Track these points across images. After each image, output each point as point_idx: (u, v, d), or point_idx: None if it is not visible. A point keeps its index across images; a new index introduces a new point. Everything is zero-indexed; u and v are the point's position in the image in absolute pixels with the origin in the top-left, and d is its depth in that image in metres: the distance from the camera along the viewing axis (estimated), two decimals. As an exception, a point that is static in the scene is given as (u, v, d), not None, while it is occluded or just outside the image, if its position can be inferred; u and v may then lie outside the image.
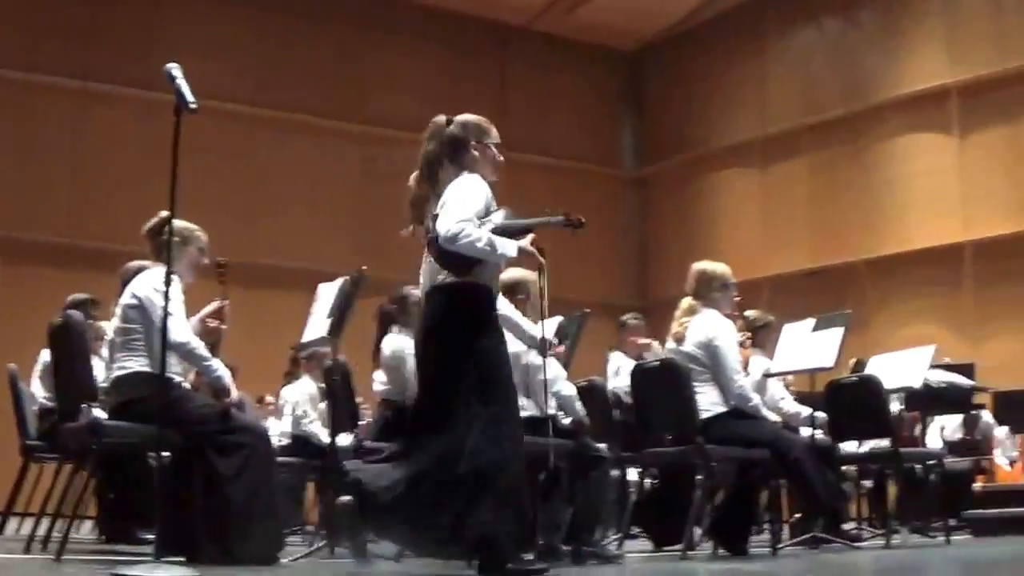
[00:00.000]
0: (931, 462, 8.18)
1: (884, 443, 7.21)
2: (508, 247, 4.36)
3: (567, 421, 5.88)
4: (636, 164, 18.54)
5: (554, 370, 5.67)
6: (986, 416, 10.51)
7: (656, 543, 6.84)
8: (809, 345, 6.92)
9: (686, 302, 6.44)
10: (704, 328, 6.29)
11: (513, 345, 5.66)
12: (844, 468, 8.12)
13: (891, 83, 15.37)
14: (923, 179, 14.86)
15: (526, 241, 4.51)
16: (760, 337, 7.42)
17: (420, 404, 4.41)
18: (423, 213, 4.64)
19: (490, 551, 4.11)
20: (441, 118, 4.75)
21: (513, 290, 5.91)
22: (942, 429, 8.93)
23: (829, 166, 15.87)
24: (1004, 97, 14.19)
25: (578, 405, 6.00)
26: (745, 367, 6.58)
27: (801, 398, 7.61)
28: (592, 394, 6.80)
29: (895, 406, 7.63)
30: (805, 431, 6.80)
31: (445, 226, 4.31)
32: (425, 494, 4.15)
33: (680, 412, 6.09)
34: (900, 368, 7.53)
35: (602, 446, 6.01)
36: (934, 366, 8.15)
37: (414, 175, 4.72)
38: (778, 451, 6.15)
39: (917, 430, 9.44)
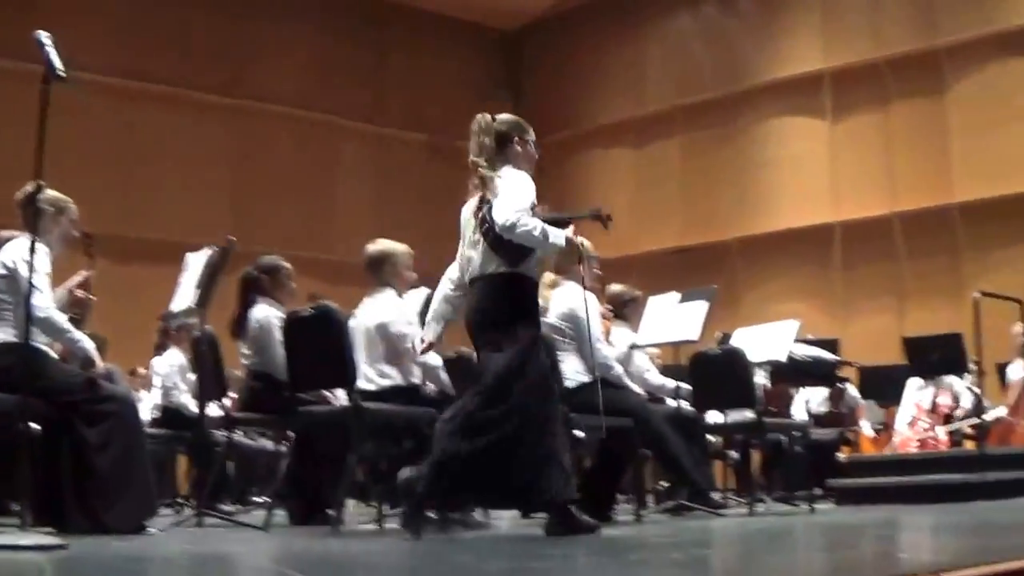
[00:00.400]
0: (796, 433, 8.48)
1: (748, 414, 7.46)
2: (559, 237, 4.76)
3: (432, 390, 5.95)
4: (512, 143, 18.64)
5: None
6: (852, 390, 10.89)
7: (524, 511, 6.96)
8: (674, 318, 7.09)
9: (548, 276, 6.54)
10: (566, 300, 6.42)
11: (383, 315, 5.76)
12: (709, 438, 8.42)
13: (766, 68, 15.70)
14: (795, 162, 15.24)
15: (569, 231, 4.90)
16: (626, 311, 7.58)
17: (481, 381, 4.76)
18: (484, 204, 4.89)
19: (558, 511, 4.65)
20: (487, 116, 5.09)
21: (381, 263, 5.96)
22: (807, 402, 9.23)
23: (703, 147, 16.15)
24: (876, 84, 14.63)
25: (443, 375, 6.07)
26: (607, 338, 6.77)
27: (666, 370, 7.83)
28: (460, 366, 6.92)
29: (760, 379, 7.88)
30: (671, 402, 7.00)
31: (503, 215, 4.66)
32: (498, 460, 4.60)
33: None
34: (765, 341, 7.72)
35: None
36: (799, 341, 8.43)
37: (472, 170, 4.99)
38: (641, 421, 6.31)
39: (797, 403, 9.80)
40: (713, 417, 7.76)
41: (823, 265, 14.75)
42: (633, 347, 7.33)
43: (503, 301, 4.81)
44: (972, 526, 4.79)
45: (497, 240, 4.74)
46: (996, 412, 10.37)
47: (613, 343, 7.15)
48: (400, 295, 5.95)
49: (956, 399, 10.08)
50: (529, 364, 4.71)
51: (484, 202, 4.90)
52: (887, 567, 2.83)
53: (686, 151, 16.32)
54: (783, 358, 7.60)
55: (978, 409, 8.86)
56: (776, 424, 8.38)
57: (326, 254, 14.74)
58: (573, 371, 6.30)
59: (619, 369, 6.50)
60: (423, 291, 6.50)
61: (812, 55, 15.24)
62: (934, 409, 9.59)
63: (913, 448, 9.70)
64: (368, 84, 16.81)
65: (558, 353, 6.19)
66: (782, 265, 14.98)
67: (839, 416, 10.53)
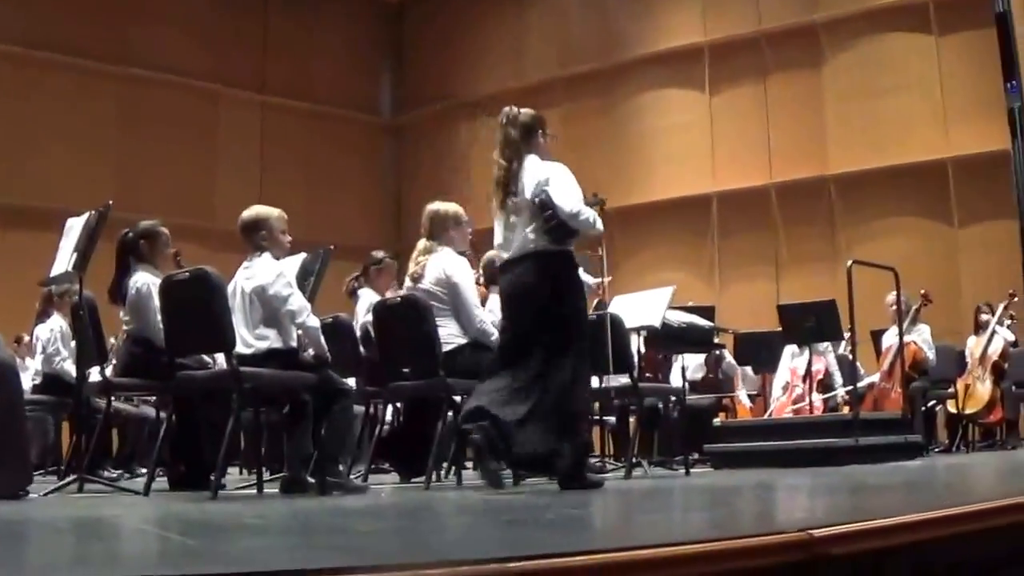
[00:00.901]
0: (672, 398, 8.62)
1: (625, 380, 7.56)
2: (601, 224, 5.44)
3: (311, 354, 5.93)
4: (394, 111, 18.56)
5: (298, 302, 5.71)
6: (728, 356, 11.09)
7: (402, 475, 6.94)
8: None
9: (422, 242, 6.59)
10: (441, 265, 6.45)
11: (259, 279, 5.72)
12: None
13: (646, 40, 15.84)
14: (674, 133, 15.44)
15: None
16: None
17: (522, 349, 5.29)
18: (510, 189, 5.46)
19: (576, 470, 5.16)
20: (513, 109, 5.62)
21: (255, 228, 5.93)
22: (684, 368, 9.37)
23: (583, 118, 16.23)
24: (754, 58, 14.88)
25: (322, 338, 6.07)
26: (483, 303, 6.81)
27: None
28: (337, 330, 6.89)
29: (636, 344, 7.99)
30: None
31: (570, 205, 5.26)
32: (540, 425, 5.12)
33: (422, 346, 6.17)
34: (641, 308, 7.84)
35: (348, 380, 6.08)
36: (676, 308, 8.55)
37: (497, 157, 5.54)
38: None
39: (674, 370, 9.94)
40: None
41: (701, 234, 14.99)
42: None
43: (549, 275, 5.33)
44: (844, 487, 4.89)
45: (557, 222, 5.28)
46: (870, 378, 10.69)
47: (491, 309, 7.21)
48: (277, 259, 5.91)
49: (830, 366, 10.38)
50: (572, 338, 5.22)
51: (509, 189, 5.45)
52: (761, 525, 2.89)
53: (566, 122, 16.39)
54: (658, 324, 7.70)
55: (852, 375, 9.11)
56: (653, 389, 8.48)
57: (209, 221, 14.59)
58: (449, 335, 6.33)
59: (496, 333, 6.52)
60: (300, 256, 6.49)
61: (692, 28, 15.42)
62: (809, 375, 9.84)
63: (788, 413, 9.94)
64: (252, 52, 16.62)
65: (436, 318, 6.22)
66: (660, 234, 15.20)
67: (716, 382, 10.71)
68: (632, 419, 8.97)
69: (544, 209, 5.31)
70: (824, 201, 14.33)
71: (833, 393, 10.27)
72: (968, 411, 10.42)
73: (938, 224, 14.14)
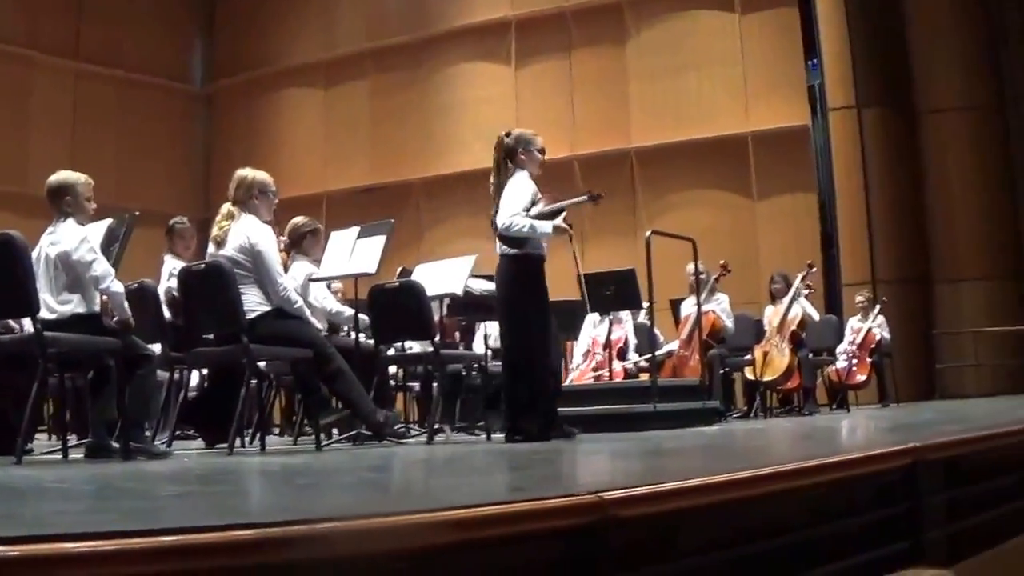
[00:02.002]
0: (475, 365, 8.53)
1: (428, 347, 7.45)
2: (545, 227, 6.34)
3: (114, 320, 5.72)
4: (205, 80, 18.30)
5: (102, 268, 5.58)
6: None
7: (208, 441, 6.82)
8: (354, 252, 7.03)
9: (226, 207, 6.48)
10: (244, 232, 6.34)
11: (64, 244, 5.51)
12: (390, 370, 8.40)
13: (454, 14, 15.82)
14: (479, 105, 15.44)
15: (559, 220, 6.40)
16: (305, 243, 7.56)
17: (503, 335, 6.55)
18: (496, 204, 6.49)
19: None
20: (502, 133, 6.67)
21: (61, 193, 5.66)
22: (487, 336, 9.29)
23: (391, 90, 16.17)
24: (560, 33, 15.00)
25: (126, 304, 5.82)
26: (286, 270, 6.64)
27: (347, 305, 7.73)
28: (142, 296, 6.77)
29: (437, 312, 7.87)
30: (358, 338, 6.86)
31: (501, 221, 6.38)
32: (508, 390, 6.41)
33: (225, 313, 6.10)
34: (444, 276, 7.82)
35: (153, 346, 5.96)
36: (478, 276, 8.45)
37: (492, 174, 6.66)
38: (320, 354, 6.25)
39: (477, 338, 9.86)
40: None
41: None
42: (311, 279, 7.21)
43: (515, 275, 6.45)
44: (639, 452, 4.90)
45: (501, 235, 6.44)
46: (669, 346, 10.82)
47: (294, 276, 7.05)
48: (81, 224, 5.64)
49: (629, 334, 10.45)
50: (527, 326, 6.39)
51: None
52: (553, 488, 2.79)
53: (375, 93, 16.30)
54: (460, 292, 7.64)
55: (651, 343, 9.16)
56: (454, 356, 8.51)
57: (21, 187, 14.09)
58: (253, 302, 6.20)
59: (300, 301, 6.37)
60: (106, 222, 6.33)
61: (499, 3, 15.41)
62: (609, 343, 9.88)
63: (589, 380, 9.97)
64: (66, 18, 16.11)
65: (239, 284, 6.04)
66: (465, 204, 15.19)
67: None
68: (435, 385, 8.85)
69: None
70: (626, 174, 14.50)
71: (631, 360, 10.33)
72: (766, 378, 10.62)
73: (738, 197, 14.48)
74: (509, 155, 6.58)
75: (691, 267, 9.61)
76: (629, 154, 14.56)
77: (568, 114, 14.88)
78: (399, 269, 9.03)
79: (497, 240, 6.49)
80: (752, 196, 14.40)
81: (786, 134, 14.15)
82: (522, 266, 6.46)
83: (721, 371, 10.44)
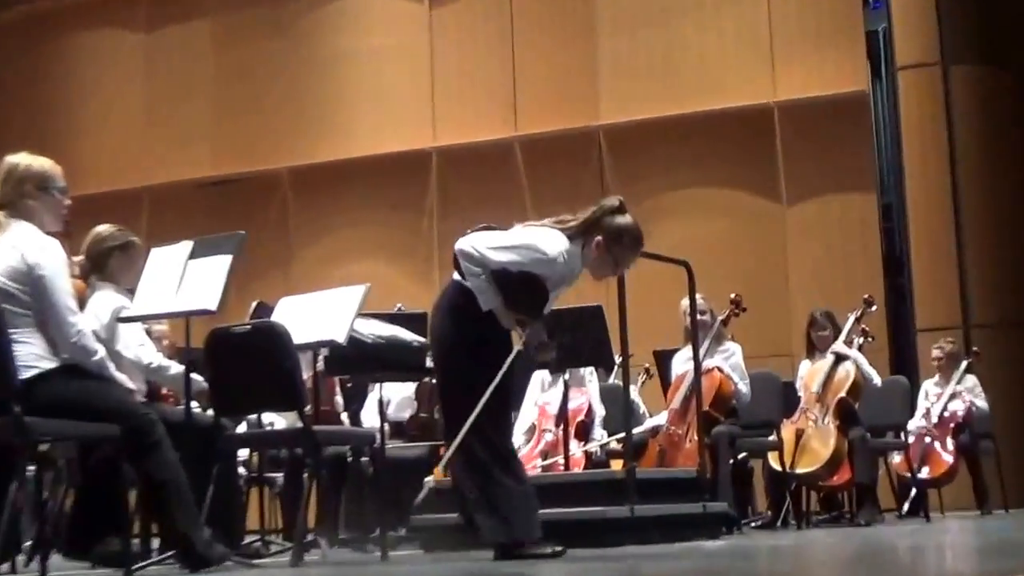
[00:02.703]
0: (367, 448, 8.58)
1: (295, 420, 7.50)
2: (491, 301, 6.65)
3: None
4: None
5: None
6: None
7: None
8: (185, 279, 7.07)
9: None
10: (17, 248, 6.17)
11: None
12: (239, 454, 8.50)
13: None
14: (378, 60, 15.72)
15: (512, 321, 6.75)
16: (113, 265, 7.53)
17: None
18: None
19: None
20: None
21: None
22: (383, 403, 9.35)
23: (243, 34, 16.43)
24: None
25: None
26: (82, 306, 6.65)
27: (176, 354, 7.80)
28: None
29: (307, 369, 7.94)
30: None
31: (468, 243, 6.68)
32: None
33: None
34: (320, 315, 7.84)
35: None
36: (374, 314, 8.54)
37: None
38: (133, 430, 6.22)
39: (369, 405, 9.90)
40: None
41: (413, 207, 15.14)
42: (120, 319, 7.24)
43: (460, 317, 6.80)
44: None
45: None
46: (654, 421, 10.91)
47: (95, 313, 7.07)
48: None
49: (593, 401, 10.54)
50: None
51: None
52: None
53: (220, 41, 16.28)
54: (342, 338, 7.69)
55: (626, 415, 9.20)
56: (335, 434, 8.47)
57: None
58: (32, 354, 6.08)
59: (102, 352, 6.36)
60: None
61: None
62: (564, 415, 9.95)
63: (536, 470, 9.98)
64: None
65: (12, 329, 6.03)
66: (355, 209, 15.25)
67: (430, 423, 10.71)
68: (306, 476, 8.91)
69: None
70: (592, 165, 14.75)
71: (598, 441, 10.44)
72: (801, 470, 10.68)
73: (758, 199, 14.68)
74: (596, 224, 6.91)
75: (686, 304, 9.70)
76: (596, 135, 14.75)
77: (507, 76, 15.05)
78: (254, 304, 9.06)
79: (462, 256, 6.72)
80: (780, 198, 14.57)
81: (832, 105, 14.33)
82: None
83: (732, 459, 10.56)
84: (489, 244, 6.65)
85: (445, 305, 6.86)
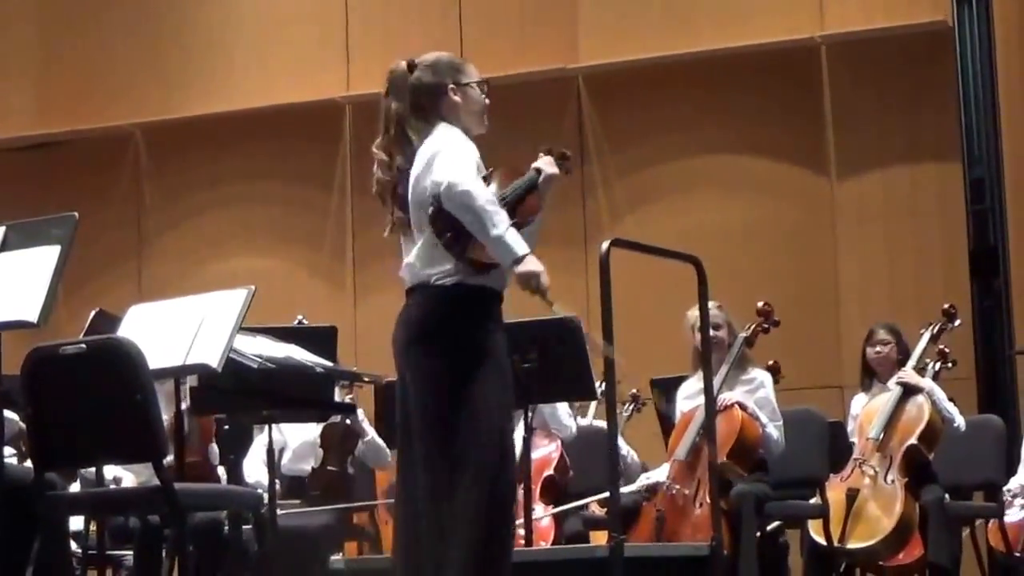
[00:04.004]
0: (249, 511, 8.62)
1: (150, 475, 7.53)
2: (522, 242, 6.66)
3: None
4: None
5: None
6: (372, 431, 11.08)
7: None
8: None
9: None
10: None
11: None
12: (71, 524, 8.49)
13: None
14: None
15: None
16: None
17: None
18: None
19: None
20: (401, 65, 7.32)
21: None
22: (273, 451, 9.39)
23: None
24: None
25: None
26: None
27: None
28: None
29: (168, 406, 7.97)
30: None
31: (452, 193, 6.63)
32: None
33: None
34: (186, 329, 7.86)
35: None
36: (262, 328, 8.58)
37: (378, 155, 7.22)
38: None
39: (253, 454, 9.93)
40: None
41: (322, 181, 15.23)
42: None
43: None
44: None
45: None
46: (651, 475, 10.96)
47: None
48: None
49: (565, 446, 10.61)
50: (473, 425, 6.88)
51: None
52: None
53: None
54: (216, 363, 7.71)
55: (612, 466, 9.28)
56: (209, 495, 8.42)
57: None
58: None
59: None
60: None
61: None
62: (525, 464, 9.99)
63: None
64: None
65: None
66: (235, 181, 15.36)
67: (342, 478, 10.74)
68: (165, 554, 8.95)
69: None
70: (569, 120, 14.89)
71: (576, 504, 10.50)
72: (854, 544, 10.75)
73: (798, 169, 14.76)
74: (422, 101, 7.18)
75: (695, 315, 9.75)
76: (574, 82, 14.86)
77: (451, 8, 15.18)
78: (92, 314, 9.09)
79: (414, 255, 6.98)
80: (828, 170, 14.68)
81: (902, 42, 14.45)
82: (465, 307, 6.93)
83: (759, 530, 10.61)
84: (468, 184, 6.67)
85: (426, 319, 6.95)
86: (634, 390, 11.96)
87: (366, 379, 10.68)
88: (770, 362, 10.73)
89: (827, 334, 13.45)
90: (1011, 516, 11.87)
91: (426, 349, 6.87)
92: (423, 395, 6.84)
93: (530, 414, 10.10)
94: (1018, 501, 11.90)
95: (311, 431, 10.67)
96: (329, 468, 10.83)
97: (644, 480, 10.95)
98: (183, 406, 8.25)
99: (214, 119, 15.60)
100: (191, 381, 8.22)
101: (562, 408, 10.68)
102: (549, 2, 15.14)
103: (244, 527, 8.92)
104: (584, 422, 11.03)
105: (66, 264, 7.06)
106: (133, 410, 7.05)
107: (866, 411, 11.07)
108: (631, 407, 12.36)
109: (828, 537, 10.68)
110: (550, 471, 10.46)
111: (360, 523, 11.14)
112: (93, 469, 8.50)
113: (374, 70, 15.18)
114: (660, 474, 10.76)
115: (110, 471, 8.88)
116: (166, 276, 13.48)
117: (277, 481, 8.92)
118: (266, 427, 9.53)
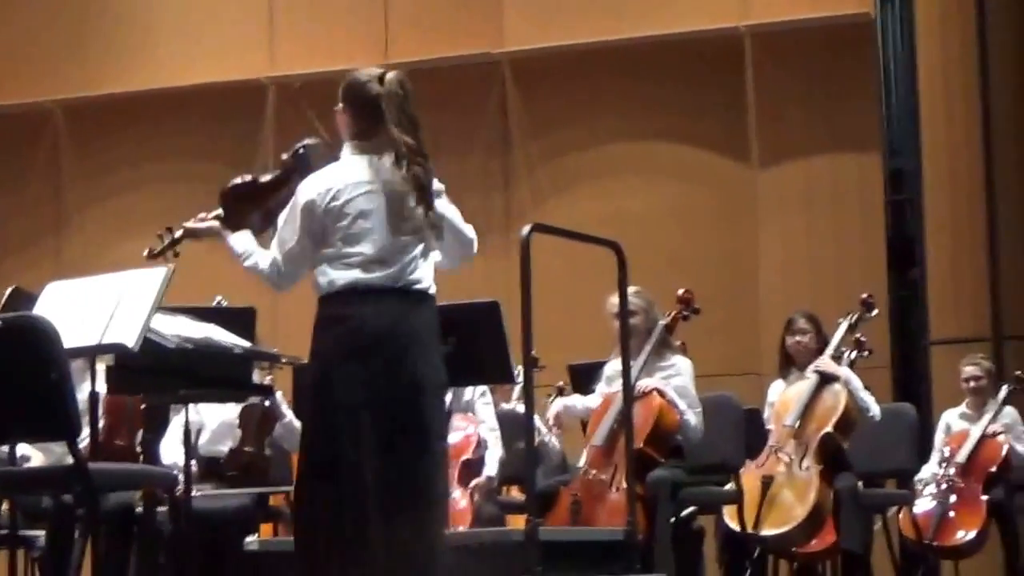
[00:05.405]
0: (167, 494, 8.56)
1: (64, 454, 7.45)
2: None
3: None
4: None
5: None
6: (289, 412, 11.03)
7: None
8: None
9: None
10: None
11: None
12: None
13: None
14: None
15: None
16: None
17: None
18: None
19: None
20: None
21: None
22: (190, 432, 9.31)
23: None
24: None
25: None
26: None
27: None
28: None
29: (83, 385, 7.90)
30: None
31: None
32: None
33: None
34: (103, 308, 7.79)
35: None
36: (181, 308, 8.51)
37: None
38: None
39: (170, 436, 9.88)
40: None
41: (246, 159, 15.15)
42: None
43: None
44: None
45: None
46: (580, 464, 10.93)
47: None
48: None
49: (484, 432, 10.57)
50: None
51: None
52: None
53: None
54: (133, 343, 7.61)
55: (530, 452, 9.24)
56: (123, 475, 8.35)
57: None
58: None
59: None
60: None
61: None
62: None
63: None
64: None
65: None
66: (157, 159, 15.36)
67: (259, 460, 10.69)
68: (77, 535, 8.87)
69: None
70: (492, 106, 14.84)
71: (487, 478, 10.48)
72: (768, 531, 10.73)
73: (719, 158, 14.75)
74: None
75: (614, 301, 9.72)
76: (498, 68, 14.82)
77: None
78: (8, 291, 9.02)
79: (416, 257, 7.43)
80: (750, 158, 14.68)
81: (825, 32, 14.45)
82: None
83: (674, 515, 10.58)
84: None
85: (422, 328, 7.34)
86: (560, 383, 11.92)
87: (284, 360, 10.62)
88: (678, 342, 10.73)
89: (746, 321, 13.44)
90: (921, 505, 11.92)
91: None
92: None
93: (450, 395, 10.09)
94: (928, 490, 11.92)
95: (229, 412, 10.60)
96: (246, 449, 10.75)
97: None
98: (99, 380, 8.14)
99: (136, 97, 15.56)
100: (108, 360, 8.08)
101: (476, 393, 10.64)
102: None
103: (158, 509, 8.86)
104: (508, 407, 10.95)
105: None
106: (47, 388, 6.99)
107: (783, 399, 11.07)
108: (553, 396, 12.33)
109: (742, 523, 10.68)
110: (468, 455, 10.42)
111: (276, 504, 11.06)
112: (5, 448, 8.40)
113: (298, 51, 15.29)
114: (579, 460, 10.76)
115: (21, 450, 8.76)
116: (85, 255, 13.42)
117: (194, 462, 8.84)
118: (183, 408, 9.48)
